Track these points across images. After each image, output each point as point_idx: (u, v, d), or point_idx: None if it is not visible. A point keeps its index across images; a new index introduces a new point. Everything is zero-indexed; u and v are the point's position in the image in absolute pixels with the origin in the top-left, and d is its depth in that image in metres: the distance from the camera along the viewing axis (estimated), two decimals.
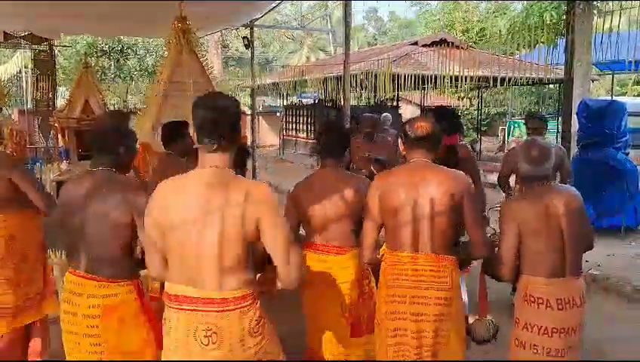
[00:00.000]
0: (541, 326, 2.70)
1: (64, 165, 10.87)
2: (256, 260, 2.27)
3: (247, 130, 18.32)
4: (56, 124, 11.18)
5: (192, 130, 2.21)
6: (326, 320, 3.18)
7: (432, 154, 2.84)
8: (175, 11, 7.00)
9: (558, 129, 14.83)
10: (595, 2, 7.94)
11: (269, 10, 14.54)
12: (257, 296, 2.24)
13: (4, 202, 3.28)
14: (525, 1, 21.76)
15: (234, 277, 2.14)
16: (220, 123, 2.15)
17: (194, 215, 2.11)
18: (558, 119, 15.56)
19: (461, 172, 2.86)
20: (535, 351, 2.72)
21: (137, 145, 2.87)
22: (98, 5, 8.48)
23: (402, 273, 2.74)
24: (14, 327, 3.37)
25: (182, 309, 2.16)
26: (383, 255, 2.89)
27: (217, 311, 2.13)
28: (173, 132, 4.40)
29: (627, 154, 8.29)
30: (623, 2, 8.56)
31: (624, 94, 25.21)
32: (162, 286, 3.09)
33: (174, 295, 2.19)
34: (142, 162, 5.76)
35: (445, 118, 4.28)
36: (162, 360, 2.27)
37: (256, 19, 14.59)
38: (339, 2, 23.09)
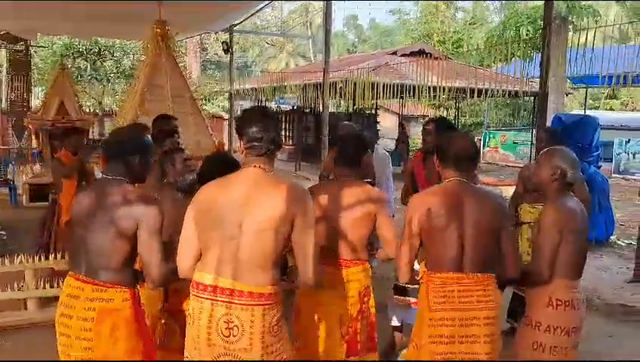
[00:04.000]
0: (564, 327, 2.79)
1: (37, 167, 10.71)
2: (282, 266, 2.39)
3: (225, 135, 18.28)
4: (30, 125, 11.04)
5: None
6: (322, 333, 3.06)
7: (469, 174, 2.82)
8: (154, 14, 6.96)
9: (532, 141, 15.07)
10: (572, 7, 8.10)
11: (250, 16, 14.54)
12: (281, 297, 2.33)
13: None
14: (502, 14, 22.12)
15: (267, 273, 2.27)
16: (274, 132, 2.38)
17: (236, 210, 2.26)
18: (532, 131, 15.84)
19: (499, 193, 2.88)
20: (555, 350, 2.80)
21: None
22: (76, 5, 8.39)
23: (448, 294, 2.68)
24: None
25: (208, 299, 2.26)
26: (422, 277, 2.82)
27: (244, 304, 2.23)
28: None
29: (599, 167, 8.45)
30: (598, 18, 8.76)
31: (597, 108, 25.75)
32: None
33: (203, 284, 2.28)
34: None
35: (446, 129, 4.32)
36: (186, 349, 2.37)
37: (236, 24, 14.57)
38: (319, 7, 23.12)
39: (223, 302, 2.25)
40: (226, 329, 2.23)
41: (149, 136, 2.76)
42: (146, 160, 2.66)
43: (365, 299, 3.13)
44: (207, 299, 2.27)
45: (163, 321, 3.12)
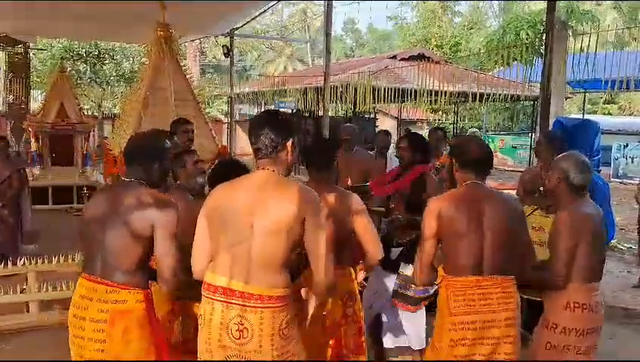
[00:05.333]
0: (579, 329, 2.81)
1: (36, 170, 10.67)
2: (291, 267, 2.38)
3: (224, 138, 18.25)
4: (29, 128, 11.00)
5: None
6: (305, 341, 2.90)
7: (484, 177, 2.87)
8: (155, 16, 6.96)
9: (531, 145, 15.09)
10: (571, 12, 8.12)
11: (253, 19, 14.56)
12: (291, 299, 2.34)
13: None
14: (501, 18, 22.17)
15: (277, 275, 2.27)
16: (274, 133, 2.35)
17: (246, 212, 2.26)
18: (531, 136, 15.86)
19: (515, 195, 2.89)
20: (567, 350, 2.82)
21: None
22: (76, 6, 8.37)
23: (469, 298, 2.70)
24: None
25: (219, 301, 2.27)
26: (441, 281, 2.82)
27: (253, 307, 2.23)
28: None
29: (599, 171, 8.44)
30: (597, 23, 8.77)
31: (595, 112, 25.82)
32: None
33: (214, 285, 2.29)
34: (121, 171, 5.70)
35: (423, 148, 4.25)
36: (199, 351, 2.37)
37: (237, 28, 14.60)
38: (318, 11, 23.16)
39: (233, 304, 2.25)
40: (236, 331, 2.24)
41: (168, 142, 2.77)
42: (164, 165, 2.70)
43: (349, 303, 3.05)
44: (218, 300, 2.27)
45: (177, 322, 3.11)
